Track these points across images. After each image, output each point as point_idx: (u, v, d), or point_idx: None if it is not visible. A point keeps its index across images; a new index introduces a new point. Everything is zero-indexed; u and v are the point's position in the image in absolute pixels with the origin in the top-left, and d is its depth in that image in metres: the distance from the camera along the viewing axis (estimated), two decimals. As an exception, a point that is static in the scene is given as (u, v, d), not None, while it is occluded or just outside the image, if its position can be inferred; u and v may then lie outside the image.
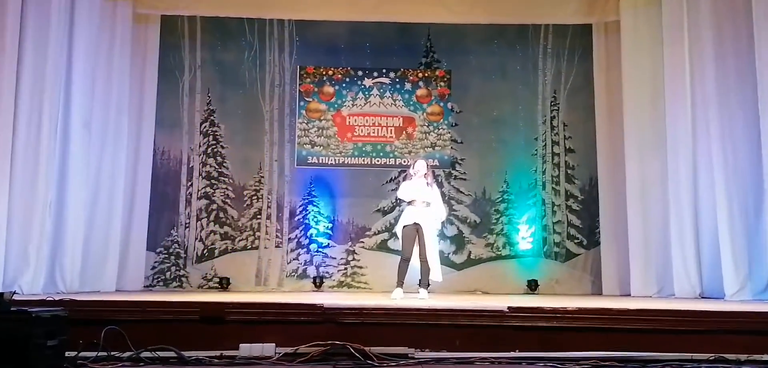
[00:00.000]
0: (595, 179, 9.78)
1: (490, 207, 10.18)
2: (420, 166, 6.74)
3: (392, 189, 10.05)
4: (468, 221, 10.22)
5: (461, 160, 10.32)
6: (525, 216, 10.14)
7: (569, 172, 10.27)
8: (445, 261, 9.56)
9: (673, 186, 8.06)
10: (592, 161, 9.81)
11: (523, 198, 10.18)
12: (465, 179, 10.29)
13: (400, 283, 6.79)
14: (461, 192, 10.27)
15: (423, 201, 6.71)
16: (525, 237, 10.08)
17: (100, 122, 8.37)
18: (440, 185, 9.98)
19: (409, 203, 6.83)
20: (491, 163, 10.19)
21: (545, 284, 9.78)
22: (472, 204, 10.18)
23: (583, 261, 9.96)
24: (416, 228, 6.71)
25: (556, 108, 10.33)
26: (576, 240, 10.10)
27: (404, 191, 6.78)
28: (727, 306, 5.70)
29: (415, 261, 6.83)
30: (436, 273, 6.71)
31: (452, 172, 10.30)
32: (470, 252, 10.10)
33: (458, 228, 10.18)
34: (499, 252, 10.05)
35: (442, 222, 7.37)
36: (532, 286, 9.64)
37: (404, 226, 6.76)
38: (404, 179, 7.14)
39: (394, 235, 9.42)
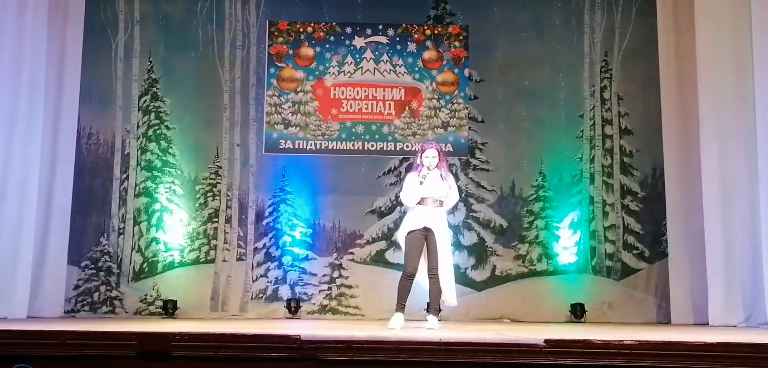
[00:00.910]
0: (661, 169, 9.73)
1: (520, 208, 10.19)
2: (430, 155, 6.66)
3: (391, 184, 10.08)
4: (492, 225, 10.23)
5: (482, 144, 10.33)
6: (567, 219, 10.14)
7: (626, 160, 10.26)
8: (461, 278, 9.58)
9: (765, 180, 7.96)
10: (656, 146, 9.76)
11: (564, 195, 10.17)
12: (488, 170, 10.29)
13: (401, 307, 6.65)
14: (483, 187, 10.27)
15: (436, 200, 6.64)
16: (567, 246, 10.07)
17: (8, 97, 8.30)
18: (456, 178, 9.96)
19: (419, 201, 6.74)
20: (522, 148, 10.21)
21: (595, 309, 9.81)
22: (498, 204, 10.21)
23: (645, 278, 9.98)
24: (425, 234, 6.59)
25: (607, 76, 10.35)
26: (635, 251, 10.11)
27: (411, 192, 6.66)
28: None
29: (422, 279, 6.73)
30: (450, 295, 6.65)
31: (471, 160, 10.30)
32: (494, 266, 10.14)
33: (478, 235, 10.19)
34: (532, 267, 10.07)
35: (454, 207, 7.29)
36: (578, 312, 9.64)
37: (409, 232, 6.63)
38: (408, 171, 7.13)
39: (394, 245, 9.58)
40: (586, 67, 10.31)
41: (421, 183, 6.58)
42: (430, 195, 6.56)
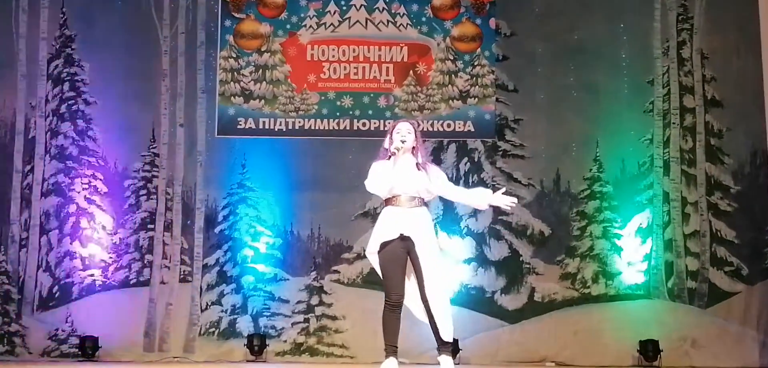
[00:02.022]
0: (763, 154, 9.51)
1: (569, 209, 9.81)
2: (404, 130, 6.15)
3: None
4: (529, 233, 9.78)
5: (515, 122, 9.87)
6: (633, 224, 9.69)
7: (713, 142, 9.79)
8: (487, 306, 9.48)
9: None
10: (756, 122, 9.41)
11: (629, 190, 9.73)
12: (523, 157, 9.83)
13: (392, 349, 5.99)
14: (516, 180, 9.78)
15: (412, 197, 6.12)
16: (633, 262, 9.65)
17: None
18: (478, 168, 9.69)
19: (389, 201, 6.16)
20: (570, 127, 9.83)
21: (673, 349, 9.30)
22: (537, 204, 9.81)
23: (743, 306, 9.46)
24: (405, 246, 6.04)
25: (687, 26, 9.90)
26: (728, 268, 9.59)
27: (380, 175, 6.14)
28: None
29: (415, 309, 6.13)
30: (445, 326, 6.05)
31: (500, 144, 9.85)
32: (533, 289, 9.68)
33: (510, 247, 9.75)
34: (586, 291, 9.64)
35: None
36: (650, 353, 9.16)
37: (383, 244, 6.08)
38: (379, 153, 6.45)
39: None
40: (658, 15, 9.89)
41: (395, 151, 5.98)
42: (401, 192, 6.06)
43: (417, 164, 6.15)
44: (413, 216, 6.09)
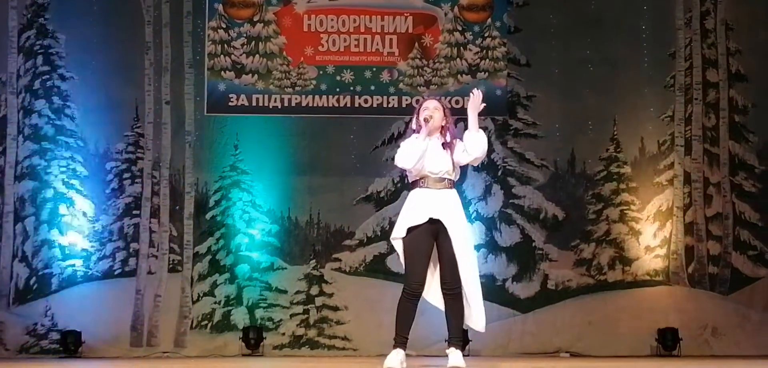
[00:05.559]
0: None
1: (584, 190, 9.87)
2: (431, 107, 6.14)
3: (394, 158, 9.48)
4: (542, 217, 9.84)
5: (528, 98, 9.90)
6: (652, 207, 9.78)
7: (737, 119, 9.85)
8: (498, 294, 9.48)
9: None
10: None
11: (648, 171, 9.82)
12: (535, 136, 9.88)
13: (402, 341, 6.00)
14: (528, 161, 9.87)
15: (440, 179, 6.15)
16: (652, 246, 9.75)
17: None
18: (488, 148, 9.65)
19: (416, 183, 6.18)
20: (586, 103, 9.85)
21: (693, 337, 9.45)
22: (550, 185, 9.88)
23: (766, 292, 9.59)
24: (434, 230, 6.07)
25: None
26: (752, 252, 9.73)
27: (409, 147, 6.09)
28: None
29: (432, 296, 6.15)
30: (478, 316, 6.08)
31: (511, 122, 9.90)
32: (546, 276, 9.78)
33: (522, 231, 9.84)
34: (602, 277, 9.74)
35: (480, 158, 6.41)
36: (668, 342, 9.29)
37: (410, 229, 6.08)
38: (405, 134, 6.43)
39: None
40: (680, -16, 9.90)
41: (426, 120, 5.94)
42: (429, 173, 6.11)
43: (443, 144, 6.18)
44: (443, 198, 6.12)
